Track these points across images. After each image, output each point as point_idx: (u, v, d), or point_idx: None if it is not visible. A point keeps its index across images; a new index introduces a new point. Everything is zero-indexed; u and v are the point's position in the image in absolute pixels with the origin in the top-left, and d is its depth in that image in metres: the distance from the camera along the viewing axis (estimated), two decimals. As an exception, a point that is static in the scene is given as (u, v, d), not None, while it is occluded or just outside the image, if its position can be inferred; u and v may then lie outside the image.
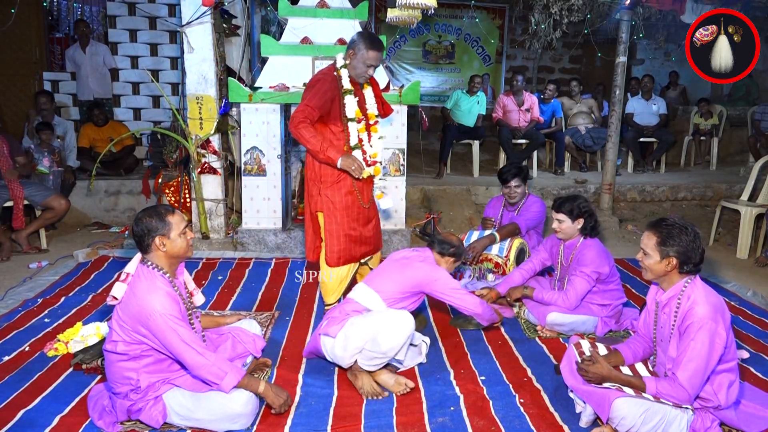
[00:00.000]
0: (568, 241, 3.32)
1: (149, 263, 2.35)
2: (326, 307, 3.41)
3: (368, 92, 3.30)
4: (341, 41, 4.89)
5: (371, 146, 3.28)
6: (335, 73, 3.20)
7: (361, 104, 3.26)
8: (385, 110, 3.51)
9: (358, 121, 3.21)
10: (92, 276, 4.29)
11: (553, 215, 3.28)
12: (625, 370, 2.44)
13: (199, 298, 2.61)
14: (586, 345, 2.59)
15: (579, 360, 2.42)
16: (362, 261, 3.45)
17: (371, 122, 3.30)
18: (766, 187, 5.23)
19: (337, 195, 3.21)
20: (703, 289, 2.27)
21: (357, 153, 3.18)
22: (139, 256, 2.40)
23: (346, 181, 3.21)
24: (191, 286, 2.57)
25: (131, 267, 2.37)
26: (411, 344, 2.90)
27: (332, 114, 3.15)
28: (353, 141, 3.19)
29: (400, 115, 4.84)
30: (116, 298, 2.31)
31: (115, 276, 4.24)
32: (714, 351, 2.16)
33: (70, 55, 7.06)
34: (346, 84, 3.17)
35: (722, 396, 2.23)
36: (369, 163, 3.23)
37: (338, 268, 3.31)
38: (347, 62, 3.19)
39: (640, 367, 2.50)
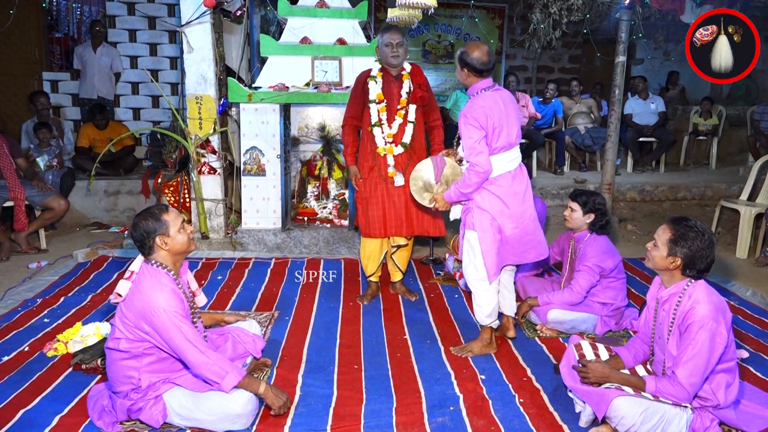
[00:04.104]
0: (578, 233, 3.42)
1: (154, 262, 2.35)
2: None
3: (405, 83, 3.66)
4: (341, 41, 4.89)
5: (390, 127, 3.65)
6: (370, 68, 3.73)
7: (387, 90, 3.64)
8: (414, 96, 3.66)
9: (379, 102, 3.63)
10: (92, 276, 4.29)
11: (568, 203, 3.42)
12: (624, 371, 2.43)
13: (201, 299, 2.62)
14: (586, 345, 2.59)
15: (578, 361, 2.43)
16: (392, 243, 3.82)
17: (399, 107, 3.65)
18: (765, 186, 5.23)
19: (361, 170, 3.77)
20: (705, 288, 2.27)
21: (377, 130, 3.63)
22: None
23: (368, 160, 3.71)
24: (194, 286, 2.58)
25: (136, 265, 2.38)
26: None
27: (365, 100, 3.72)
28: (373, 120, 3.64)
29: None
30: (120, 296, 2.32)
31: (116, 275, 4.25)
32: (714, 350, 2.16)
33: (80, 52, 6.97)
34: (374, 72, 3.67)
35: (721, 395, 2.23)
36: (387, 141, 3.65)
37: (365, 246, 3.80)
38: (378, 58, 3.70)
39: (638, 367, 2.50)
